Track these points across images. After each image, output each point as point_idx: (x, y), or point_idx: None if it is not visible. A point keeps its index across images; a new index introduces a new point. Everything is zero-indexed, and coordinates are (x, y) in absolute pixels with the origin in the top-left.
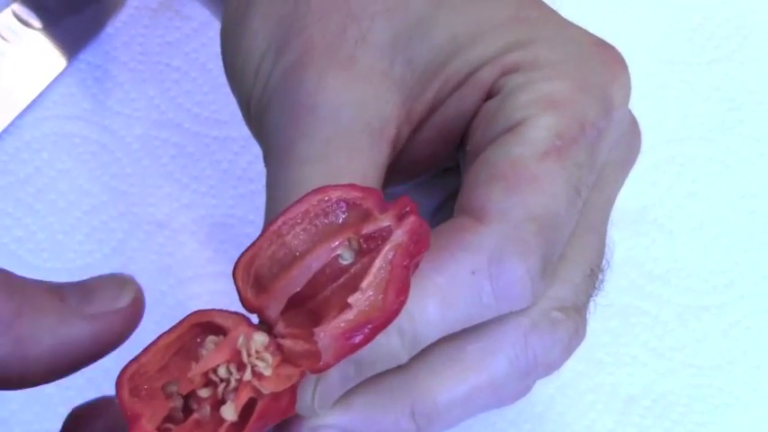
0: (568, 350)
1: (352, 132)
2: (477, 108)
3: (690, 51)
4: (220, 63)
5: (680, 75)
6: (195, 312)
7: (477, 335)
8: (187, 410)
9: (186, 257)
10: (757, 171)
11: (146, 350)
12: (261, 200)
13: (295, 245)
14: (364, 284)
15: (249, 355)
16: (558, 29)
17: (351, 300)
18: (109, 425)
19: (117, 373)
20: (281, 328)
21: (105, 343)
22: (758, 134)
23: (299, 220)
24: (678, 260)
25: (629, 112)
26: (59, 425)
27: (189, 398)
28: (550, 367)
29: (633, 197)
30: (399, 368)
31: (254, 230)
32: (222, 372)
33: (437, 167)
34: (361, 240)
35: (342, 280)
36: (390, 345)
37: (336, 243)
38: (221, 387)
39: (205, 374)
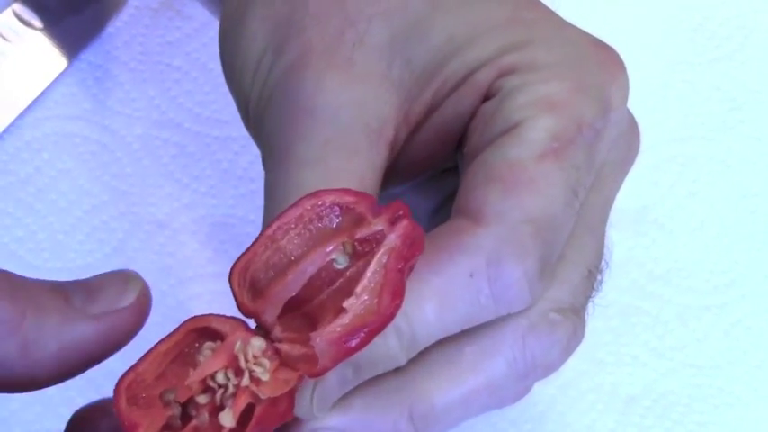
0: (567, 351)
1: (350, 134)
2: (474, 109)
3: (691, 51)
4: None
5: (681, 74)
6: (192, 318)
7: (474, 337)
8: (185, 417)
9: (187, 257)
10: (758, 171)
11: (143, 358)
12: (261, 200)
13: (290, 249)
14: (359, 289)
15: (247, 361)
16: (556, 30)
17: (346, 304)
18: (112, 426)
19: (119, 373)
20: (278, 332)
21: (111, 342)
22: (759, 134)
23: (293, 225)
24: (679, 260)
25: (628, 112)
26: (60, 425)
27: (187, 405)
28: (549, 368)
29: (633, 197)
30: (397, 370)
31: (255, 230)
32: (220, 378)
33: (435, 169)
34: (356, 244)
35: (337, 284)
36: (388, 347)
37: (331, 248)
38: (219, 393)
39: (203, 381)
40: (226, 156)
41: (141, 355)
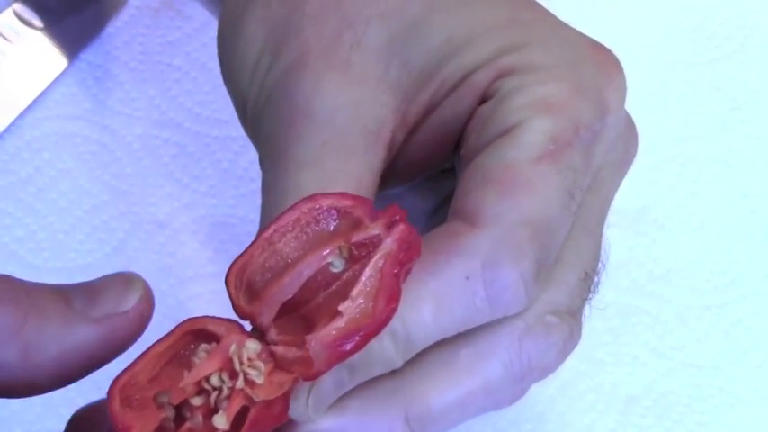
0: (563, 354)
1: (347, 136)
2: (472, 111)
3: (691, 51)
4: None
5: (681, 74)
6: (187, 320)
7: (471, 339)
8: (179, 420)
9: (187, 257)
10: (758, 171)
11: (137, 360)
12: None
13: (286, 252)
14: (354, 293)
15: (241, 363)
16: (553, 31)
17: (341, 307)
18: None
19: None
20: (273, 334)
21: (113, 346)
22: (759, 134)
23: (290, 228)
24: (679, 260)
25: (626, 113)
26: (61, 425)
27: (181, 407)
28: (545, 371)
29: (634, 197)
30: (393, 372)
31: (255, 230)
32: (215, 380)
33: (433, 170)
34: (352, 248)
35: (333, 287)
36: (384, 349)
37: (327, 251)
38: (214, 395)
39: (197, 383)
40: (226, 155)
41: (138, 354)
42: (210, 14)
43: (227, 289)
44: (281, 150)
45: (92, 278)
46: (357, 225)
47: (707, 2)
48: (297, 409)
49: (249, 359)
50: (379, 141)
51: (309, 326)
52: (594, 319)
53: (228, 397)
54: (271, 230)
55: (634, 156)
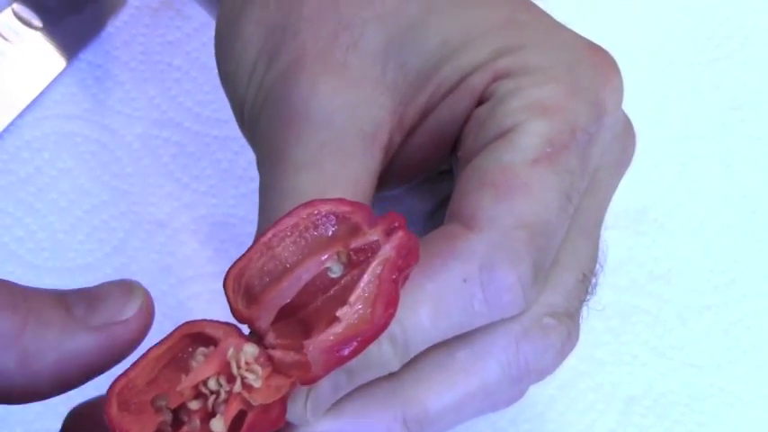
0: (561, 355)
1: (345, 138)
2: (469, 113)
3: (691, 51)
4: None
5: (681, 74)
6: (185, 323)
7: (468, 341)
8: (177, 423)
9: (187, 257)
10: (758, 170)
11: (135, 364)
12: None
13: (285, 257)
14: (352, 298)
15: (239, 367)
16: (550, 33)
17: (339, 313)
18: None
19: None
20: (271, 338)
21: (112, 354)
22: (759, 133)
23: (288, 233)
24: (679, 259)
25: (623, 114)
26: (60, 424)
27: (179, 411)
28: (543, 373)
29: (633, 197)
30: (391, 375)
31: (255, 230)
32: (212, 384)
33: (430, 172)
34: (351, 253)
35: (332, 291)
36: (382, 353)
37: (326, 256)
38: (211, 399)
39: (195, 387)
40: (226, 155)
41: (138, 356)
42: (209, 15)
43: (226, 293)
44: (279, 152)
45: (92, 278)
46: (356, 231)
47: (707, 2)
48: (295, 412)
49: (247, 363)
50: (376, 143)
51: (307, 330)
52: (594, 318)
53: (226, 401)
54: (269, 235)
55: (632, 156)
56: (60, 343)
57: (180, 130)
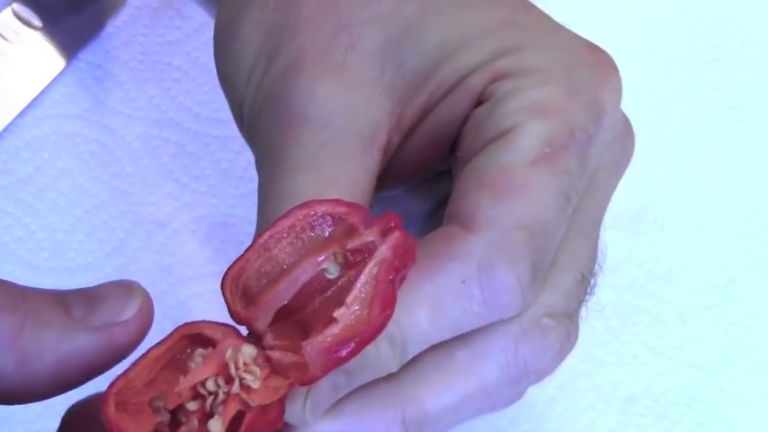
0: (560, 356)
1: (343, 139)
2: (467, 114)
3: (690, 50)
4: None
5: (680, 74)
6: (184, 324)
7: (467, 342)
8: (175, 424)
9: (187, 257)
10: (758, 170)
11: (134, 364)
12: None
13: (282, 258)
14: (349, 299)
15: (237, 368)
16: (548, 33)
17: (337, 314)
18: None
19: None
20: (269, 339)
21: (111, 355)
22: (759, 133)
23: (285, 234)
24: (679, 259)
25: (622, 114)
26: None
27: (177, 411)
28: (542, 373)
29: (633, 197)
30: (390, 376)
31: (254, 230)
32: (210, 385)
33: (429, 172)
34: (348, 254)
35: (329, 292)
36: (380, 354)
37: (322, 257)
38: (209, 400)
39: (193, 387)
40: (225, 155)
41: (137, 356)
42: (208, 15)
43: (224, 294)
44: (278, 153)
45: (92, 278)
46: (352, 232)
47: (707, 2)
48: (294, 413)
49: (245, 364)
50: (375, 144)
51: (305, 331)
52: (594, 318)
53: (224, 402)
54: (266, 236)
55: (631, 156)
56: (59, 343)
57: (180, 130)
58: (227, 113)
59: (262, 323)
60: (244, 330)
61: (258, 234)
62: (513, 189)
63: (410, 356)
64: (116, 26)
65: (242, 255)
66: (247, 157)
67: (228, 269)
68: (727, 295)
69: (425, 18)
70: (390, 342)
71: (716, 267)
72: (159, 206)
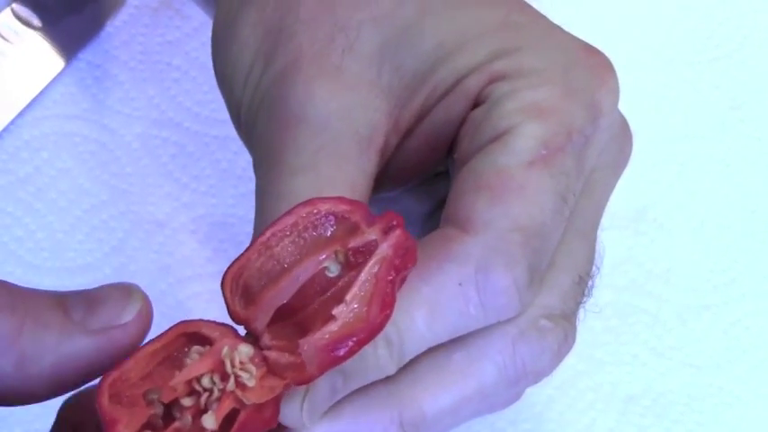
0: (558, 357)
1: (340, 141)
2: (464, 116)
3: (690, 50)
4: None
5: (680, 74)
6: (182, 322)
7: (464, 343)
8: (169, 419)
9: (186, 257)
10: (758, 170)
11: (129, 357)
12: None
13: (283, 257)
14: (349, 297)
15: (233, 366)
16: (545, 35)
17: (335, 311)
18: None
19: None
20: (266, 339)
21: (110, 358)
22: (759, 133)
23: (287, 233)
24: (678, 259)
25: (619, 114)
26: None
27: (172, 406)
28: (540, 375)
29: (633, 197)
30: (387, 378)
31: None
32: (206, 381)
33: (427, 174)
34: (349, 254)
35: (329, 293)
36: (378, 356)
37: (324, 256)
38: (204, 397)
39: (189, 384)
40: (225, 155)
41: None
42: (207, 15)
43: (223, 293)
44: (276, 155)
45: (91, 278)
46: (354, 230)
47: (707, 2)
48: (291, 416)
49: (241, 362)
50: (372, 146)
51: (304, 332)
52: (593, 318)
53: (219, 399)
54: (268, 234)
55: (628, 157)
56: (58, 345)
57: (179, 130)
58: (226, 113)
59: (260, 323)
60: (242, 331)
61: (258, 233)
62: (509, 191)
63: (407, 359)
64: (115, 26)
65: (243, 253)
66: (247, 157)
67: (229, 268)
68: (727, 295)
69: (422, 20)
70: (387, 344)
71: (715, 267)
72: (158, 206)
